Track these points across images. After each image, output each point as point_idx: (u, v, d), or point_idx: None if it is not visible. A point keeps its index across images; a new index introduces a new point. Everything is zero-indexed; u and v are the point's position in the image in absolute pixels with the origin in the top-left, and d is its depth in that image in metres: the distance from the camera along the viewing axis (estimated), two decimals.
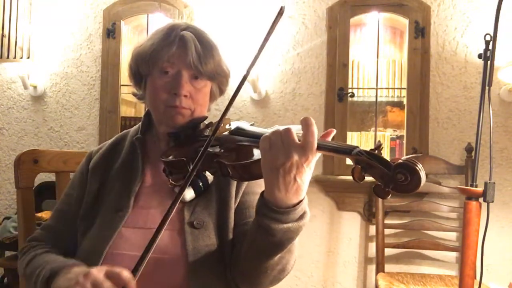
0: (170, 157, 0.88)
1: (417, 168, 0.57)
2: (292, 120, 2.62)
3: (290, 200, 0.71)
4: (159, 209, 0.95)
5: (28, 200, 1.22)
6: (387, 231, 2.37)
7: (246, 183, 0.98)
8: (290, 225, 0.72)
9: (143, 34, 3.04)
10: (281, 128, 0.69)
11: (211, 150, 0.81)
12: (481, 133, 1.44)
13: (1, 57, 2.92)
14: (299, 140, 0.67)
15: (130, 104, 3.02)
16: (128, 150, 1.05)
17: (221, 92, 1.09)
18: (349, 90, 2.58)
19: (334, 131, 0.71)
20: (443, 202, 2.36)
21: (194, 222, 0.92)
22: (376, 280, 2.19)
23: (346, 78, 2.57)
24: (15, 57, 2.91)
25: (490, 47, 1.43)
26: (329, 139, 0.72)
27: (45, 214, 2.31)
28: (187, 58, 0.96)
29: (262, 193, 0.74)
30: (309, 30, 2.64)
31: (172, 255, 0.89)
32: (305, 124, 0.66)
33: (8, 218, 2.46)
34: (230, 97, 0.77)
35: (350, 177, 0.63)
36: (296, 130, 0.68)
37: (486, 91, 1.45)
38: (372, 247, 2.51)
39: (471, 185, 1.44)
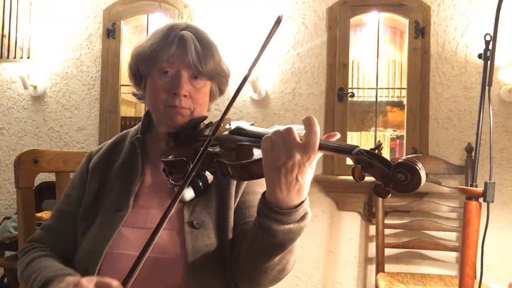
0: (170, 157, 0.88)
1: (417, 167, 0.57)
2: (292, 120, 2.62)
3: (292, 201, 0.71)
4: (159, 209, 0.95)
5: (28, 200, 1.22)
6: (387, 231, 2.37)
7: (245, 182, 0.98)
8: (291, 226, 0.72)
9: (143, 34, 3.04)
10: (281, 128, 0.69)
11: (211, 150, 0.81)
12: (481, 133, 1.44)
13: (1, 57, 2.92)
14: (301, 140, 0.67)
15: (130, 104, 3.02)
16: (128, 150, 1.05)
17: (221, 92, 1.09)
18: (349, 90, 2.58)
19: (338, 135, 0.71)
20: (443, 202, 2.36)
21: (194, 222, 0.92)
22: (376, 280, 2.19)
23: (346, 78, 2.57)
24: (15, 57, 2.92)
25: (490, 47, 1.43)
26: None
27: (45, 214, 2.31)
28: (186, 58, 0.96)
29: (263, 194, 0.74)
30: (309, 30, 2.64)
31: (171, 255, 0.88)
32: (308, 123, 0.66)
33: (8, 218, 2.46)
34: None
35: (350, 177, 0.63)
36: (297, 129, 0.68)
37: (486, 91, 1.45)
38: (372, 247, 2.51)
39: (471, 185, 1.44)
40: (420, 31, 2.51)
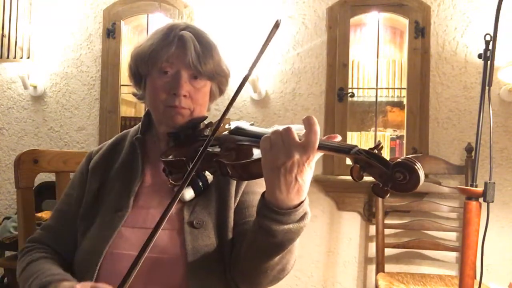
0: (170, 157, 0.88)
1: (415, 167, 0.57)
2: (292, 120, 2.62)
3: (291, 201, 0.71)
4: (159, 208, 0.95)
5: (28, 200, 1.22)
6: (387, 231, 2.37)
7: (245, 182, 0.98)
8: (291, 226, 0.72)
9: (143, 34, 3.04)
10: (280, 128, 0.69)
11: (210, 150, 0.81)
12: (481, 133, 1.44)
13: (1, 57, 2.92)
14: (300, 139, 0.67)
15: (130, 104, 3.03)
16: (128, 150, 1.05)
17: (221, 92, 1.09)
18: (349, 90, 2.58)
19: (339, 137, 0.71)
20: (443, 202, 2.36)
21: (194, 222, 0.92)
22: (376, 280, 2.19)
23: (346, 78, 2.58)
24: (15, 57, 2.92)
25: (490, 47, 1.43)
26: None
27: (45, 214, 2.31)
28: (186, 58, 0.96)
29: (263, 194, 0.74)
30: (309, 30, 2.64)
31: (171, 255, 0.89)
32: (308, 123, 0.66)
33: (8, 218, 2.46)
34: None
35: (350, 177, 0.63)
36: (296, 129, 0.68)
37: (486, 91, 1.45)
38: (372, 247, 2.51)
39: (471, 185, 1.44)
40: (420, 31, 2.51)
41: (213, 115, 1.03)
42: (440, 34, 2.52)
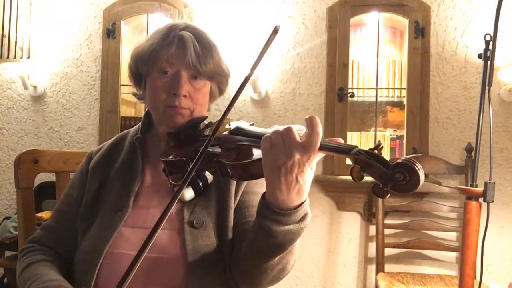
0: (170, 157, 0.88)
1: (415, 167, 0.57)
2: (292, 120, 2.62)
3: (292, 202, 0.71)
4: (159, 208, 0.95)
5: (28, 200, 1.22)
6: (387, 231, 2.37)
7: (245, 182, 0.98)
8: (291, 227, 0.72)
9: (143, 34, 3.04)
10: (281, 127, 0.69)
11: (210, 150, 0.81)
12: (481, 133, 1.44)
13: (1, 57, 2.92)
14: (301, 139, 0.67)
15: (130, 104, 3.03)
16: (128, 150, 1.05)
17: (221, 92, 1.09)
18: (349, 90, 2.58)
19: (341, 141, 0.71)
20: (443, 202, 2.36)
21: (194, 222, 0.92)
22: (376, 280, 2.19)
23: (346, 78, 2.58)
24: (15, 57, 2.92)
25: (490, 47, 1.43)
26: None
27: (45, 214, 2.31)
28: (186, 58, 0.96)
29: (263, 195, 0.74)
30: (309, 30, 2.64)
31: (171, 255, 0.89)
32: (311, 123, 0.65)
33: (8, 218, 2.46)
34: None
35: (350, 177, 0.63)
36: (297, 129, 0.68)
37: (486, 91, 1.45)
38: (372, 247, 2.51)
39: (471, 185, 1.44)
40: (420, 31, 2.51)
41: (213, 115, 1.03)
42: (440, 34, 2.52)
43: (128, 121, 2.86)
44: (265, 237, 0.74)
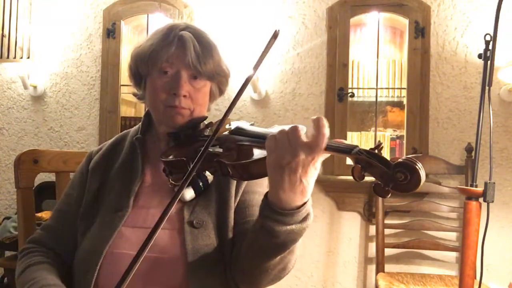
0: (170, 157, 0.88)
1: (416, 167, 0.57)
2: (292, 120, 2.62)
3: (295, 202, 0.70)
4: (159, 208, 0.95)
5: (28, 200, 1.21)
6: (387, 231, 2.37)
7: (245, 182, 0.98)
8: (293, 226, 0.72)
9: (143, 34, 3.04)
10: (283, 127, 0.69)
11: (211, 150, 0.81)
12: (481, 133, 1.44)
13: (1, 57, 2.92)
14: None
15: (130, 104, 3.03)
16: (128, 150, 1.05)
17: (221, 92, 1.09)
18: (349, 90, 2.58)
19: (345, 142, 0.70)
20: (443, 202, 2.36)
21: (194, 222, 0.92)
22: (376, 280, 2.19)
23: (346, 78, 2.57)
24: (15, 57, 2.92)
25: (490, 47, 1.43)
26: None
27: (45, 214, 2.31)
28: (186, 58, 0.96)
29: (266, 194, 0.74)
30: (309, 30, 2.64)
31: (171, 255, 0.88)
32: (318, 124, 0.65)
33: (8, 218, 2.46)
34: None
35: (350, 177, 0.62)
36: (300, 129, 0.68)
37: (486, 91, 1.45)
38: (372, 247, 2.51)
39: (471, 185, 1.44)
40: (420, 31, 2.51)
41: (213, 115, 1.03)
42: (440, 34, 2.52)
43: (128, 121, 2.86)
44: (267, 237, 0.74)
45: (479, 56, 1.48)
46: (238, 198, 0.97)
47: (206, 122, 1.01)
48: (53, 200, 1.24)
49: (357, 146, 0.63)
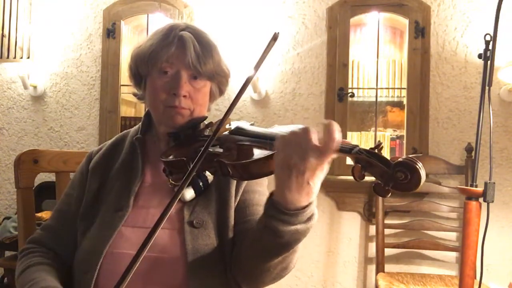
0: (170, 157, 0.88)
1: (417, 166, 0.57)
2: (292, 120, 2.62)
3: (300, 202, 0.70)
4: (159, 208, 0.94)
5: (28, 200, 1.21)
6: (387, 231, 2.37)
7: (246, 182, 0.98)
8: (298, 226, 0.72)
9: (143, 34, 3.04)
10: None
11: (211, 150, 0.81)
12: (481, 133, 1.44)
13: (1, 57, 2.92)
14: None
15: (130, 104, 3.03)
16: (128, 150, 1.05)
17: (221, 92, 1.09)
18: (349, 90, 2.58)
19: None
20: (443, 202, 2.36)
21: (194, 222, 0.92)
22: (376, 280, 2.19)
23: (346, 78, 2.58)
24: (15, 57, 2.92)
25: (490, 47, 1.44)
26: None
27: (45, 214, 2.31)
28: (186, 58, 0.96)
29: (271, 194, 0.73)
30: (309, 30, 2.64)
31: (171, 255, 0.88)
32: (329, 130, 0.63)
33: (8, 218, 2.46)
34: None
35: (350, 177, 0.62)
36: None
37: (486, 91, 1.45)
38: (372, 247, 2.51)
39: (471, 185, 1.44)
40: (420, 31, 2.51)
41: (213, 115, 1.03)
42: (440, 34, 2.52)
43: (128, 121, 2.86)
44: (271, 236, 0.74)
45: (479, 56, 1.48)
46: (238, 198, 0.97)
47: (206, 122, 1.01)
48: (53, 200, 1.24)
49: (357, 145, 0.63)
